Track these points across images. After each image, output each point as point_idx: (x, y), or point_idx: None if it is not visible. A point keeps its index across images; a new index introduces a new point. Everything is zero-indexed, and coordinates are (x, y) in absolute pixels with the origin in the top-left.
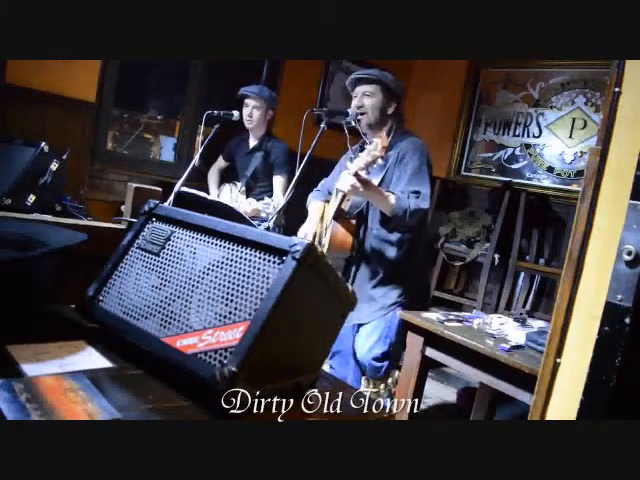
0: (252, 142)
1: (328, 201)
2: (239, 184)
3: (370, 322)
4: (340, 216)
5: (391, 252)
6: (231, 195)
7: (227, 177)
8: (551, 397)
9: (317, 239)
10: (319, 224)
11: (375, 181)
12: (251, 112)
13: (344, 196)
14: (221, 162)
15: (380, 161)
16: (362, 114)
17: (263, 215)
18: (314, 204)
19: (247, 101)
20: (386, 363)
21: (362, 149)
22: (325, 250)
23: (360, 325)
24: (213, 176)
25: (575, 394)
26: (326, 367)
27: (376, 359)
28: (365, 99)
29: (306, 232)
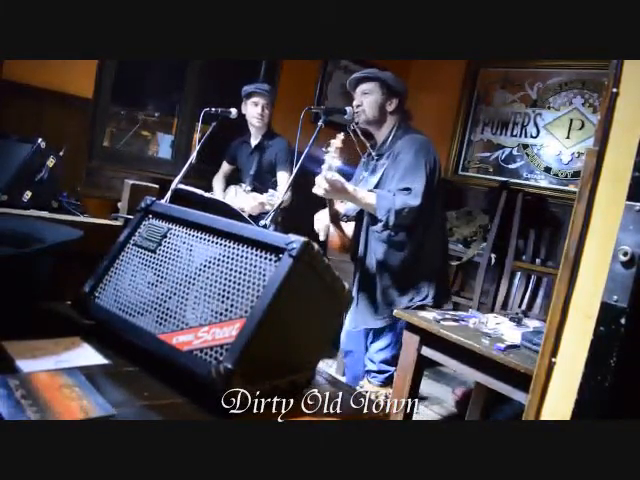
0: (254, 141)
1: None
2: (244, 185)
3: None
4: (337, 219)
5: (392, 254)
6: (236, 196)
7: (232, 180)
8: (546, 397)
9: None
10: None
11: (373, 180)
12: (262, 110)
13: (331, 200)
14: (225, 167)
15: (338, 162)
16: (361, 112)
17: (268, 207)
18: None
19: (257, 99)
20: (393, 369)
21: (370, 154)
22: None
23: (372, 328)
24: (218, 183)
25: (570, 394)
26: (330, 368)
27: (385, 362)
28: (364, 97)
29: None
